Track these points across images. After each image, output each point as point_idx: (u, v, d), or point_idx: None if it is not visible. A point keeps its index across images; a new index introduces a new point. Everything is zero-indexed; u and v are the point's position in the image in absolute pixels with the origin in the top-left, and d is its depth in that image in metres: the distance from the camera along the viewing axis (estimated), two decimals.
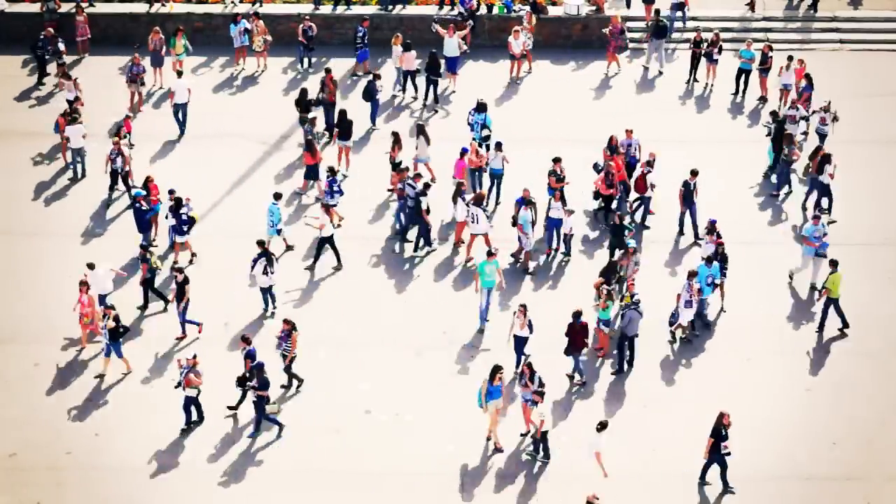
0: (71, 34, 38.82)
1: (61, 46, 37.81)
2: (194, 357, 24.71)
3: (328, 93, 34.77)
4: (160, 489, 23.58)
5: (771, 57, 36.54)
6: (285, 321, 26.03)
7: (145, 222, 29.86)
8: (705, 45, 36.60)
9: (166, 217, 29.48)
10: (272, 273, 28.39)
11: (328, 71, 35.02)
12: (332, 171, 30.86)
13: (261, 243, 28.50)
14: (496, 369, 24.15)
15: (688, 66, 38.31)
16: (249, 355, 24.84)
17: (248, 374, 24.60)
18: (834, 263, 26.66)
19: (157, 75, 38.22)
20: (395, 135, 32.75)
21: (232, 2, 40.29)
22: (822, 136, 33.03)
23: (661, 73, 39.18)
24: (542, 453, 24.18)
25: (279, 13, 39.99)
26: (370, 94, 35.00)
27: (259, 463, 24.44)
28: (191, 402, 24.50)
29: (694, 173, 30.25)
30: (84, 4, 40.10)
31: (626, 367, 26.63)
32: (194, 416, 24.76)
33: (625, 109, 36.49)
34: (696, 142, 34.78)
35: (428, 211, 30.29)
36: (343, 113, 33.37)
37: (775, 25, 40.89)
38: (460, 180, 30.81)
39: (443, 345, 27.61)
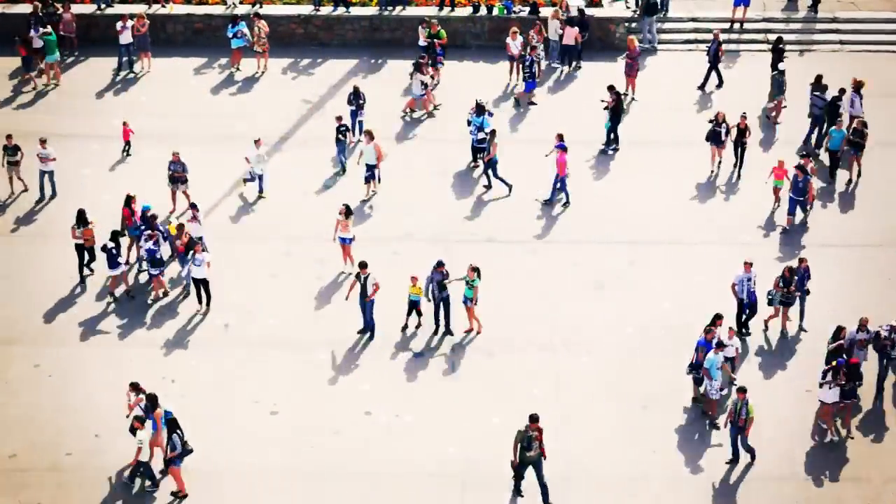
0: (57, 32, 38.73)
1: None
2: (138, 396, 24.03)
3: None
4: (160, 490, 23.57)
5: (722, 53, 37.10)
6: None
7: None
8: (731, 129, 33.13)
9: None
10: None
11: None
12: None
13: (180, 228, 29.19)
14: None
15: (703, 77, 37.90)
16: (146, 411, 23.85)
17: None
18: (743, 390, 23.72)
19: (145, 60, 38.50)
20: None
21: (233, 3, 40.19)
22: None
23: (654, 48, 39.51)
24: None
25: (279, 14, 39.81)
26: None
27: (259, 464, 24.42)
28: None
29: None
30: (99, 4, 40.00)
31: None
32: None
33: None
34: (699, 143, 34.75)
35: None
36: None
37: (775, 26, 40.78)
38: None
39: (443, 346, 27.67)
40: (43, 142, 31.91)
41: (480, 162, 33.61)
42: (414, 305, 27.90)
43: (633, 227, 31.60)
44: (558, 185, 32.04)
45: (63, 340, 27.72)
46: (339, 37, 40.16)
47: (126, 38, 37.76)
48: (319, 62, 39.23)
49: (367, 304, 27.46)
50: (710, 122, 32.95)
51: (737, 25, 40.31)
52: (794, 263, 27.62)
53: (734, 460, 24.03)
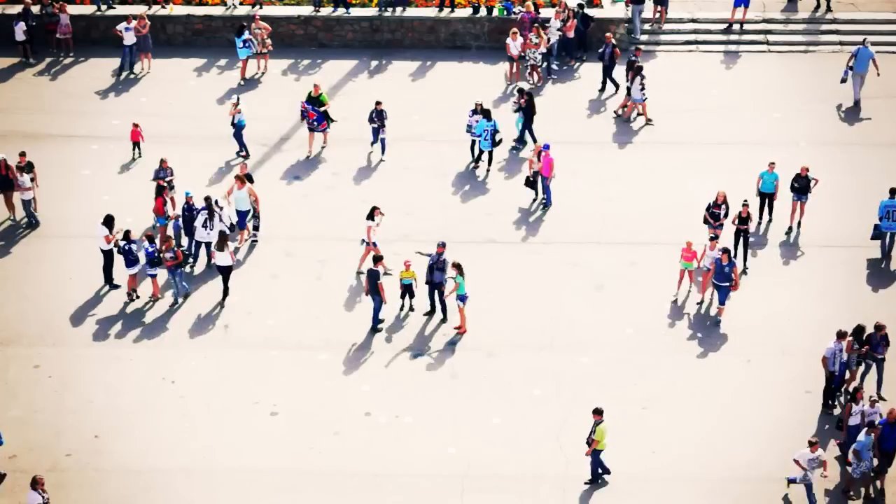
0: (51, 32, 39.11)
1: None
2: None
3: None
4: (160, 491, 23.59)
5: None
6: None
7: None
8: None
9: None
10: (210, 229, 29.25)
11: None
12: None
13: (206, 198, 29.41)
14: None
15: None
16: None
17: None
18: (599, 412, 23.55)
19: (145, 60, 38.58)
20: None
21: (232, 4, 40.22)
22: None
23: (637, 38, 39.66)
24: None
25: (279, 15, 39.88)
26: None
27: (258, 464, 24.48)
28: None
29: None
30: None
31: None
32: None
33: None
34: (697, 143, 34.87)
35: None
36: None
37: (775, 27, 40.93)
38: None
39: (443, 347, 27.70)
40: (21, 169, 31.53)
41: (482, 164, 33.85)
42: (407, 289, 28.35)
43: (633, 227, 31.64)
44: (545, 185, 32.14)
45: (62, 341, 27.72)
46: (338, 38, 40.22)
47: (130, 39, 37.85)
48: (319, 63, 39.35)
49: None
50: (709, 206, 30.12)
51: (736, 26, 40.29)
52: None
53: (593, 480, 23.78)
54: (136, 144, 34.26)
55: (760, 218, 31.37)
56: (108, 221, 29.21)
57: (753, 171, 32.37)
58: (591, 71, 38.93)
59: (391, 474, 24.27)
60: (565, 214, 32.18)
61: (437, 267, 28.17)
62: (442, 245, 28.28)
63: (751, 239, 30.22)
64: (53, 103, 37.23)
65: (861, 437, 23.41)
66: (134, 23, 37.83)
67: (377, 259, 27.92)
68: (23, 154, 31.62)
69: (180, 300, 29.08)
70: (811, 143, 34.78)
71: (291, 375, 26.79)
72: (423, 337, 28.18)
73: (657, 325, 28.11)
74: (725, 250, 27.41)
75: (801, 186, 30.73)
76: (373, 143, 34.40)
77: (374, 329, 28.19)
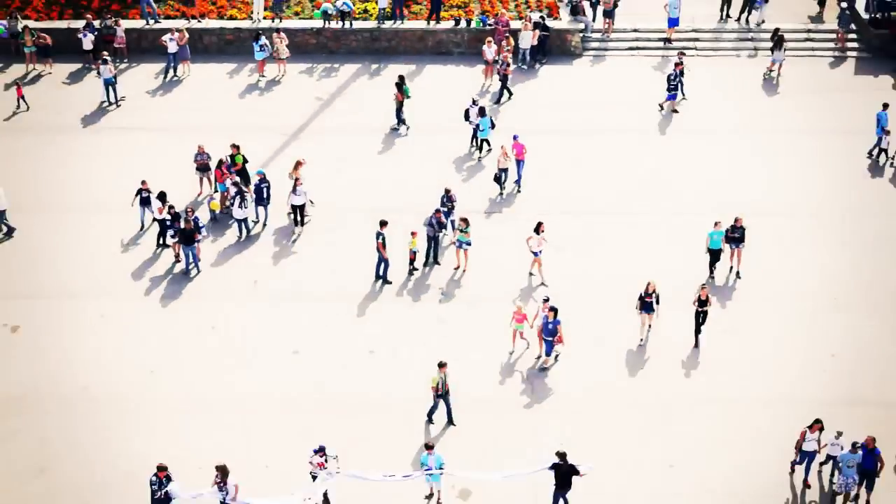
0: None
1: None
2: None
3: None
4: (204, 415, 23.58)
5: None
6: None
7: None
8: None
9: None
10: (245, 207, 29.43)
11: None
12: None
13: (235, 184, 29.52)
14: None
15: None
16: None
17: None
18: (442, 365, 22.92)
19: (185, 65, 38.26)
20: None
21: (257, 18, 40.04)
22: None
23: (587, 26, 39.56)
24: None
25: (296, 27, 39.70)
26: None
27: (283, 392, 24.58)
28: None
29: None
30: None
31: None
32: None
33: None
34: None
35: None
36: None
37: (702, 36, 40.48)
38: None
39: (435, 297, 27.79)
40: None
41: (483, 149, 33.61)
42: (413, 255, 28.32)
43: (588, 200, 31.44)
44: (518, 170, 31.85)
45: (121, 296, 27.72)
46: (344, 46, 39.82)
47: (173, 48, 37.53)
48: (329, 67, 39.02)
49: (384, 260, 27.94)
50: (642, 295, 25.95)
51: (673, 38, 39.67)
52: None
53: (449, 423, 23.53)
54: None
55: (712, 272, 28.27)
56: (162, 196, 29.16)
57: (683, 149, 32.54)
58: (550, 71, 38.63)
59: (390, 396, 24.41)
60: (534, 191, 31.96)
61: (433, 223, 28.25)
62: (437, 211, 28.33)
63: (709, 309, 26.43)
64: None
65: (845, 451, 21.45)
66: (176, 35, 37.58)
67: (383, 223, 27.84)
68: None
69: (193, 270, 28.74)
70: (730, 132, 34.71)
71: (310, 322, 26.80)
72: (421, 288, 28.12)
73: (613, 281, 27.93)
74: (553, 308, 24.79)
75: (738, 236, 28.20)
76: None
77: (384, 280, 28.09)
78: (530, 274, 28.19)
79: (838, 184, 31.95)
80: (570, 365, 25.35)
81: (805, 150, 33.52)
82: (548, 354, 25.25)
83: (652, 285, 25.59)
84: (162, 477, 20.58)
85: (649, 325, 26.03)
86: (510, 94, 36.57)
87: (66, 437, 23.25)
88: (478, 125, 33.24)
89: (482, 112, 33.30)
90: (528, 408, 24.14)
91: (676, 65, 35.86)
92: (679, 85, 35.84)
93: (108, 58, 36.33)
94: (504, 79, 36.34)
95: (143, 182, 29.59)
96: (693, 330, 25.86)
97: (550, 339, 25.01)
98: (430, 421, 23.65)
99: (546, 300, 25.38)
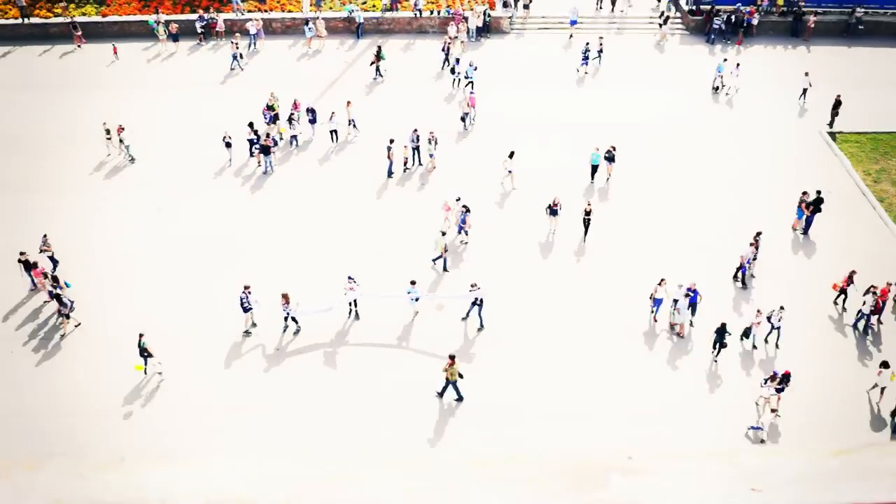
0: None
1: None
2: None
3: None
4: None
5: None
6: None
7: None
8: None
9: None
10: (295, 127, 34.45)
11: None
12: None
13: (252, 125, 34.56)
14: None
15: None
16: None
17: None
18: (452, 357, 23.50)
19: (261, 41, 44.26)
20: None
21: (306, 10, 47.60)
22: None
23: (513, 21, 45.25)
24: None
25: (330, 17, 47.28)
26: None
27: (306, 340, 26.55)
28: None
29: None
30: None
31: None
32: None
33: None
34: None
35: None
36: None
37: (587, 21, 48.02)
38: None
39: (435, 270, 29.99)
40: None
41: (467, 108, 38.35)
42: (406, 160, 33.44)
43: (526, 122, 37.07)
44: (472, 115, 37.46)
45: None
46: (362, 27, 47.40)
47: (253, 30, 46.29)
48: (352, 42, 46.48)
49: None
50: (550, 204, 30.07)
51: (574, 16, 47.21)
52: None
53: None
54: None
55: (593, 180, 31.37)
56: (251, 125, 33.74)
57: (592, 105, 39.20)
58: (490, 43, 45.90)
59: (404, 349, 26.36)
60: (487, 120, 37.97)
61: (413, 138, 33.34)
62: (415, 130, 33.60)
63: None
64: (215, 67, 44.47)
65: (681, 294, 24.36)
66: (254, 21, 46.72)
67: (392, 141, 32.53)
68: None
69: (269, 171, 33.30)
70: (616, 82, 41.76)
71: (332, 272, 29.09)
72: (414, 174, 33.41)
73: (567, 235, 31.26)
74: (465, 206, 28.36)
75: (610, 157, 32.27)
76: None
77: (390, 174, 31.98)
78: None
79: (686, 106, 40.17)
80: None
81: (662, 91, 41.72)
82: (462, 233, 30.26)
83: (557, 199, 30.09)
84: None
85: (554, 229, 30.69)
86: (457, 60, 42.80)
87: None
88: (465, 73, 39.92)
89: (459, 62, 40.57)
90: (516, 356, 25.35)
91: (599, 40, 42.08)
92: (595, 55, 41.77)
93: (236, 41, 43.37)
94: (448, 50, 43.13)
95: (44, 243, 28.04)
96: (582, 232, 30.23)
97: (463, 225, 29.73)
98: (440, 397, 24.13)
99: (458, 199, 30.25)
